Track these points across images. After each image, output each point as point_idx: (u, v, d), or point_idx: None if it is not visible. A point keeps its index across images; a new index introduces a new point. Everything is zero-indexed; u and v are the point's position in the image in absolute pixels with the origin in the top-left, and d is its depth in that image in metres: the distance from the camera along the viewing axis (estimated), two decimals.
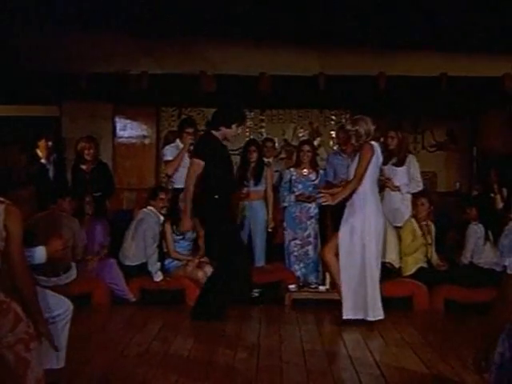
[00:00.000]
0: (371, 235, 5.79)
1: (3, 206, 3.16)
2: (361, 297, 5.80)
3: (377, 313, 5.79)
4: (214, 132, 6.08)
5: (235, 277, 5.95)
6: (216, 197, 5.98)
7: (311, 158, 7.49)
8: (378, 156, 5.91)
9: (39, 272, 6.22)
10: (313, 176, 7.47)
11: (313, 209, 7.42)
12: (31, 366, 3.09)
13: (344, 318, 5.82)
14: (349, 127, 6.00)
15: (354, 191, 5.80)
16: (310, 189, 7.40)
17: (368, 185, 5.83)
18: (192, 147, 7.46)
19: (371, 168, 5.81)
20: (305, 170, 7.45)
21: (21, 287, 3.17)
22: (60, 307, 3.80)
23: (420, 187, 7.26)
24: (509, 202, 7.37)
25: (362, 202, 5.81)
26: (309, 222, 7.41)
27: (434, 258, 7.08)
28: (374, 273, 5.81)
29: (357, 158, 5.86)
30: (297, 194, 7.38)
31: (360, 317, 5.81)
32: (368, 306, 5.77)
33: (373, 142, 5.87)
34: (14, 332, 3.08)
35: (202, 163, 5.99)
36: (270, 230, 7.46)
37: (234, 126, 6.07)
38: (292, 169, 7.54)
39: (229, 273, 5.94)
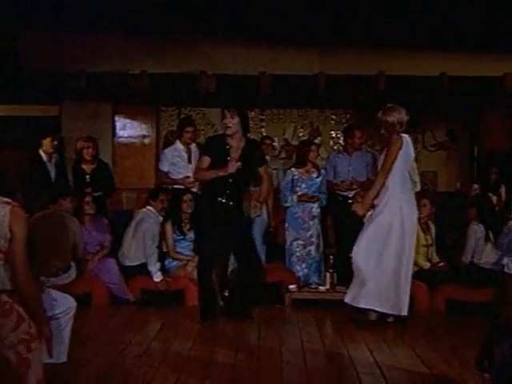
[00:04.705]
0: (398, 232, 5.57)
1: (9, 207, 3.15)
2: (393, 293, 5.67)
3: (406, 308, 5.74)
4: None
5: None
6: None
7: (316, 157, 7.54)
8: (409, 148, 5.68)
9: None
10: (315, 175, 7.45)
11: (315, 208, 7.41)
12: (32, 367, 3.09)
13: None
14: (379, 115, 5.75)
15: (381, 186, 5.55)
16: (314, 188, 7.40)
17: (397, 179, 5.58)
18: (192, 146, 7.47)
19: (399, 161, 5.56)
20: (308, 169, 7.43)
21: (22, 288, 3.16)
22: (63, 304, 3.85)
23: (418, 188, 7.23)
24: (508, 202, 7.37)
25: (389, 196, 5.56)
26: (311, 222, 7.39)
27: (435, 258, 7.08)
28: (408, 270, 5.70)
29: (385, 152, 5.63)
30: (299, 194, 7.37)
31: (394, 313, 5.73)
32: (401, 302, 5.68)
33: (403, 134, 5.65)
34: (16, 332, 3.08)
35: (208, 159, 5.93)
36: (271, 230, 7.46)
37: None
38: (294, 168, 7.52)
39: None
